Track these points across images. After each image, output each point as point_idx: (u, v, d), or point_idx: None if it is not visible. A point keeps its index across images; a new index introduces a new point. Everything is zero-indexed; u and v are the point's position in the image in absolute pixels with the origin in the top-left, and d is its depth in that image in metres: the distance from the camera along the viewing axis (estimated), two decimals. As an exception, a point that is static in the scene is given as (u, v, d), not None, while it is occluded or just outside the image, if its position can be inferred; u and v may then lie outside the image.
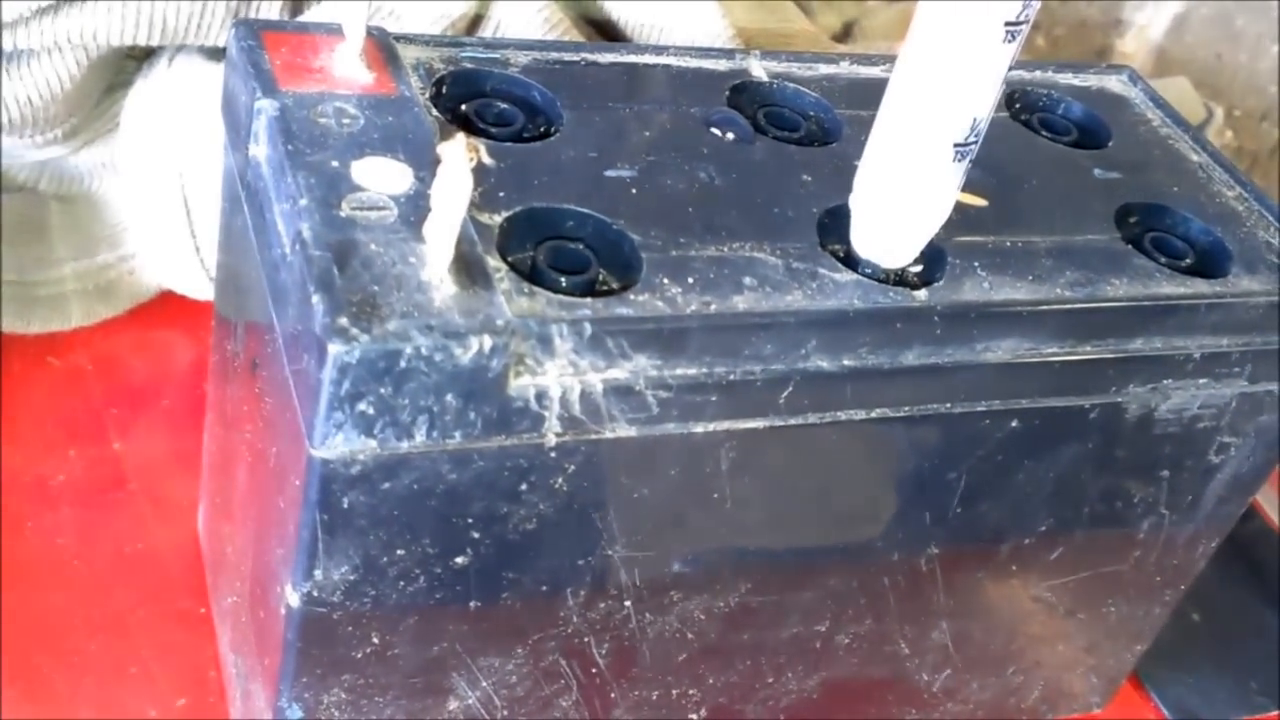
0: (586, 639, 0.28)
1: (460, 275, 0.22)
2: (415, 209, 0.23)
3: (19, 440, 0.36)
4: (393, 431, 0.22)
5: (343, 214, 0.23)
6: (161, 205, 0.38)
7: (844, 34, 0.51)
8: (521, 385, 0.22)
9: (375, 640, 0.26)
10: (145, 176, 0.38)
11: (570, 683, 0.29)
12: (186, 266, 0.39)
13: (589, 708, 0.30)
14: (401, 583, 0.25)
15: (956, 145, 0.24)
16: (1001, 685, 0.35)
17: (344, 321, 0.21)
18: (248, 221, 0.26)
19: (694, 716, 0.31)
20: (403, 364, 0.21)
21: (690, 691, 0.31)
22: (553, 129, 0.27)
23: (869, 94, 0.31)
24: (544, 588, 0.26)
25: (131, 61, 0.40)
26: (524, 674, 0.28)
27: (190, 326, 0.41)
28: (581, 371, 0.23)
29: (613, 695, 0.30)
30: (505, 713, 0.29)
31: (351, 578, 0.24)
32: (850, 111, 0.30)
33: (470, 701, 0.28)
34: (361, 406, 0.21)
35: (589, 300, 0.23)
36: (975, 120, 0.24)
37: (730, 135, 0.28)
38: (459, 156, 0.21)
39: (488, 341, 0.22)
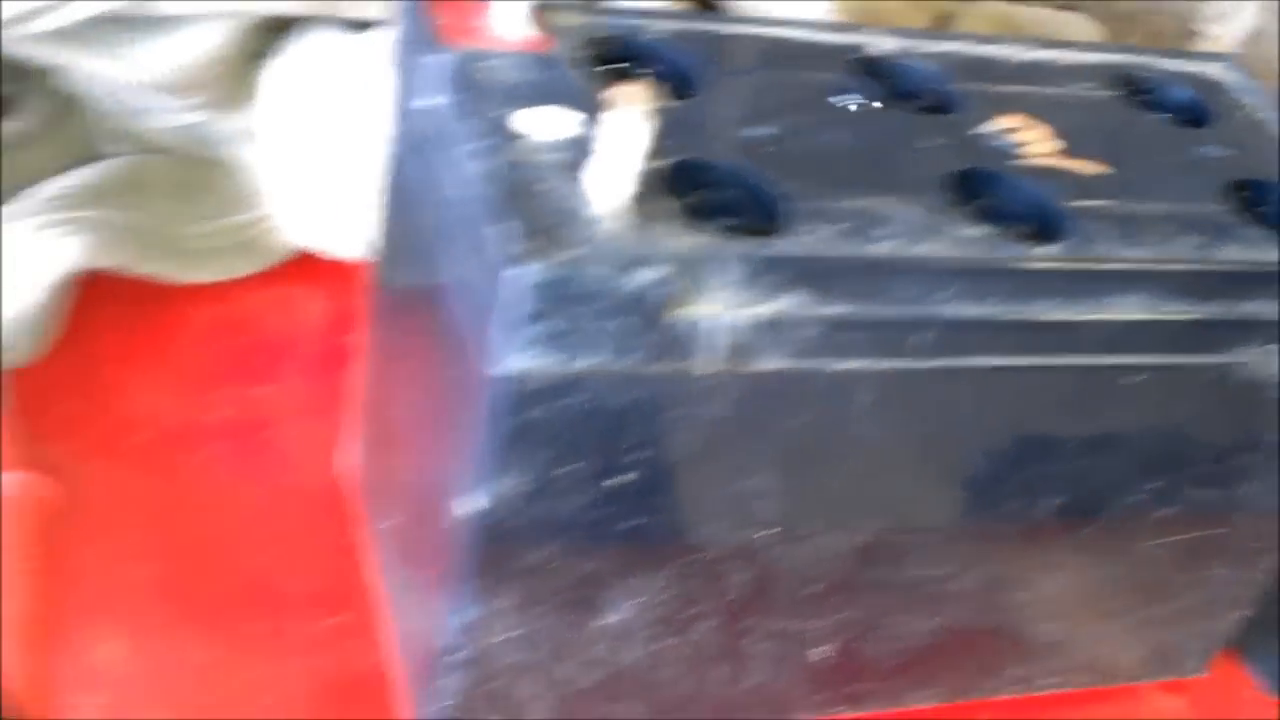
0: (725, 565, 0.30)
1: (629, 212, 0.25)
2: (580, 152, 0.26)
3: (170, 384, 0.40)
4: (566, 353, 0.25)
5: (516, 156, 0.26)
6: (303, 168, 0.41)
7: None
8: (682, 315, 0.25)
9: (538, 553, 0.28)
10: (286, 141, 0.42)
11: (708, 607, 0.31)
12: (325, 226, 0.42)
13: (722, 634, 0.32)
14: (564, 499, 0.27)
15: None
16: (1106, 643, 0.37)
17: (526, 248, 0.24)
18: (417, 169, 0.29)
19: (819, 650, 0.34)
20: (577, 289, 0.24)
21: (817, 625, 0.33)
22: (691, 91, 0.30)
23: (981, 70, 0.33)
24: (689, 513, 0.29)
25: (269, 34, 0.43)
26: (666, 596, 0.30)
27: (323, 282, 0.44)
28: (737, 306, 0.25)
29: (744, 624, 0.32)
30: (646, 632, 0.31)
31: (522, 491, 0.27)
32: (964, 85, 0.32)
33: (616, 619, 0.31)
34: (537, 328, 0.24)
35: (744, 240, 0.26)
36: None
37: (855, 102, 0.31)
38: (640, 100, 0.23)
39: (655, 272, 0.24)
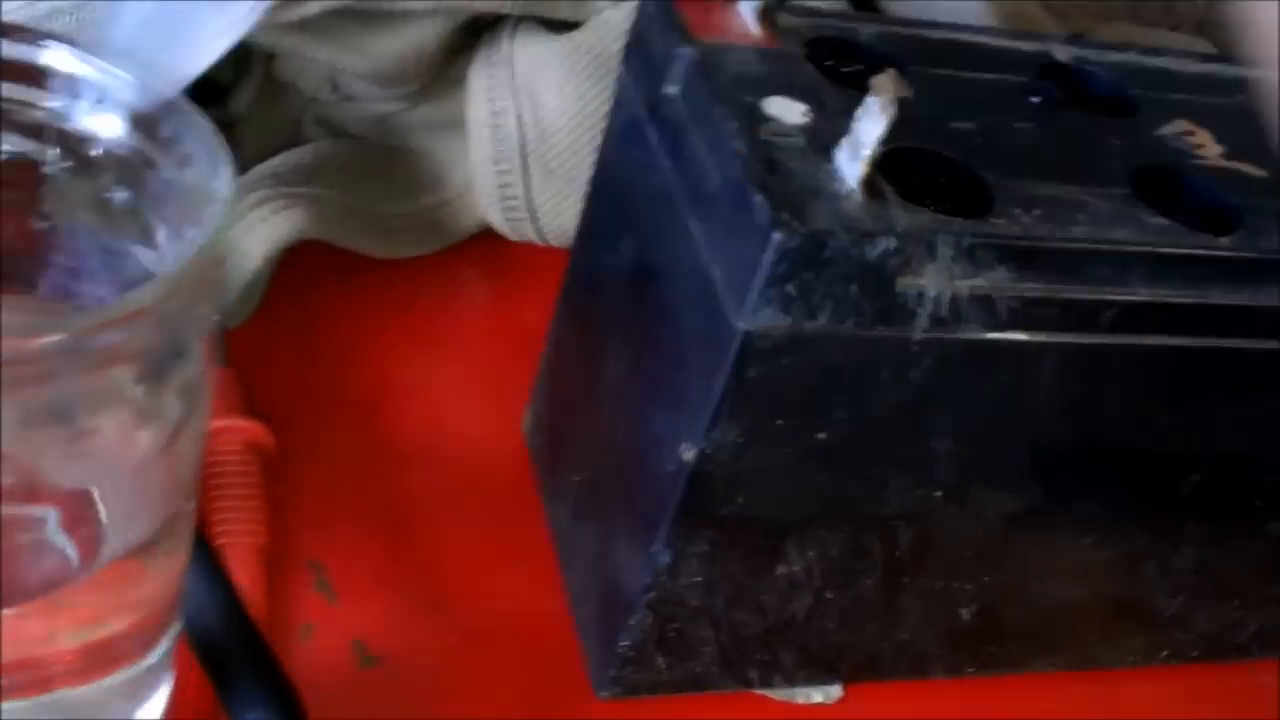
0: (897, 524, 0.33)
1: (865, 190, 0.27)
2: (816, 137, 0.28)
3: (369, 347, 0.42)
4: (804, 312, 0.27)
5: (762, 138, 0.28)
6: (501, 156, 0.44)
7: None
8: (906, 284, 0.27)
9: (740, 500, 0.31)
10: (488, 130, 0.44)
11: (874, 563, 0.34)
12: (515, 209, 0.45)
13: (884, 588, 0.34)
14: (772, 451, 0.30)
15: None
16: (1224, 618, 0.39)
17: (785, 215, 0.26)
18: (652, 151, 0.31)
19: (964, 611, 0.36)
20: (824, 254, 0.26)
21: (966, 588, 0.35)
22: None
23: (1156, 79, 0.36)
24: (879, 469, 0.31)
25: (469, 33, 0.46)
26: (841, 549, 0.33)
27: (501, 263, 0.47)
28: (953, 277, 0.28)
29: (904, 581, 0.34)
30: (819, 583, 0.33)
31: (739, 440, 0.29)
32: (1142, 92, 0.35)
33: (795, 569, 0.33)
34: (786, 288, 0.27)
35: (960, 219, 0.28)
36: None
37: (1045, 103, 0.33)
38: (890, 88, 0.26)
39: (891, 243, 0.27)
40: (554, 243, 0.47)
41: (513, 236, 0.47)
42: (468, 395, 0.42)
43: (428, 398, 0.41)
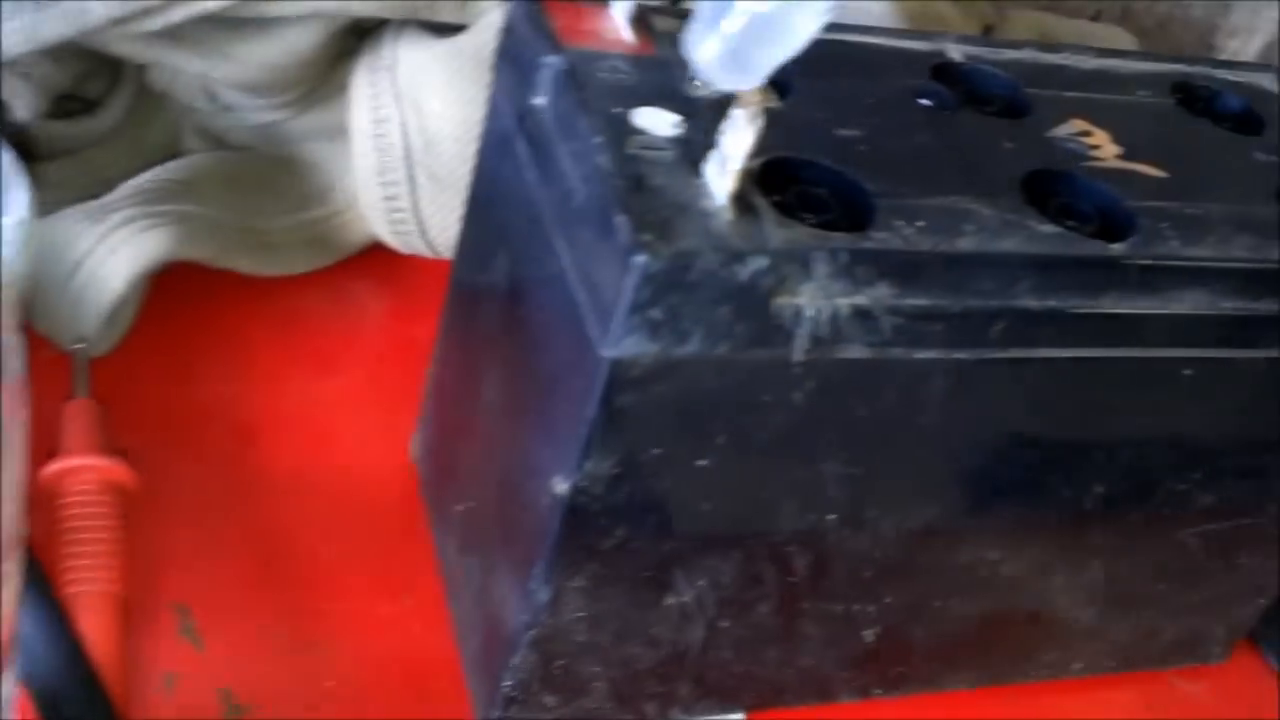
0: (791, 548, 0.31)
1: (735, 206, 0.26)
2: (688, 150, 0.27)
3: (244, 374, 0.40)
4: (673, 338, 0.25)
5: (630, 152, 0.26)
6: (386, 167, 0.42)
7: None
8: (781, 304, 0.26)
9: (620, 533, 0.29)
10: (371, 140, 0.42)
11: (770, 589, 0.32)
12: (403, 222, 0.43)
13: (782, 614, 0.33)
14: (650, 481, 0.28)
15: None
16: (1137, 629, 0.38)
17: (647, 237, 0.24)
18: (521, 164, 0.29)
19: (867, 632, 0.35)
20: (692, 277, 0.25)
21: (868, 609, 0.34)
22: (785, 93, 0.31)
23: (1053, 77, 0.34)
24: (767, 494, 0.30)
25: (351, 36, 0.44)
26: (733, 577, 0.31)
27: (390, 277, 0.45)
28: (831, 295, 0.26)
29: (802, 605, 0.33)
30: (712, 612, 0.32)
31: (613, 472, 0.28)
32: (1038, 91, 0.33)
33: (685, 599, 0.31)
34: (652, 313, 0.25)
35: (838, 234, 0.27)
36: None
37: (936, 107, 0.32)
38: (756, 99, 0.24)
39: (763, 262, 0.25)
40: (446, 255, 0.45)
41: (403, 250, 0.45)
42: (355, 418, 0.40)
43: (311, 422, 0.39)
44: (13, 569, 0.24)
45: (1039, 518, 0.33)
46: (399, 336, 0.44)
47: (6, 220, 0.20)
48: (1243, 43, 0.61)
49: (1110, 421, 0.31)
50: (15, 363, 0.21)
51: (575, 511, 0.28)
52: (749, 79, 0.25)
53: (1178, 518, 0.35)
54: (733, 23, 0.24)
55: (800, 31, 0.24)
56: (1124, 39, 0.59)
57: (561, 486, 0.28)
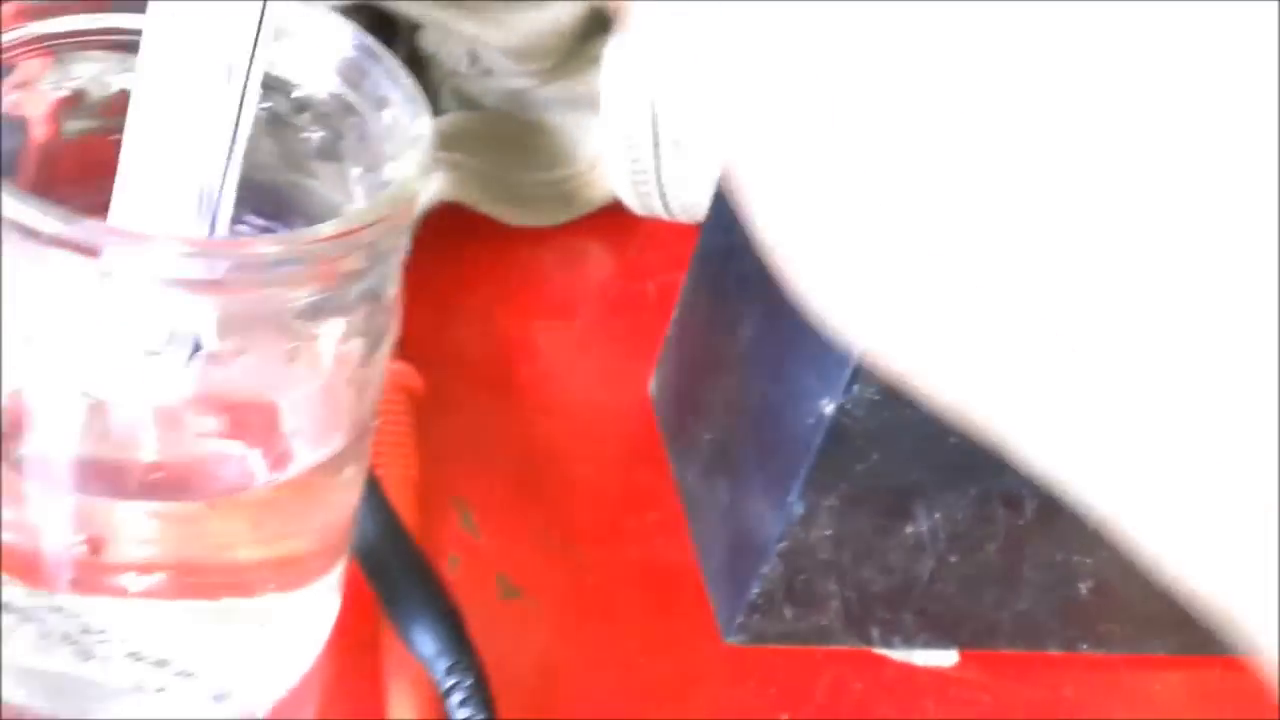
0: (1023, 491, 0.34)
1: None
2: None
3: (505, 308, 0.44)
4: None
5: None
6: (634, 131, 0.46)
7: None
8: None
9: (874, 456, 0.32)
10: (621, 105, 0.46)
11: (998, 529, 0.34)
12: (644, 183, 0.47)
13: (1005, 556, 0.35)
14: (907, 408, 0.31)
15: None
16: None
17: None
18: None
19: (1083, 585, 0.37)
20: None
21: (1086, 561, 0.36)
22: None
23: None
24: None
25: (604, 15, 0.48)
26: (967, 513, 0.34)
27: (628, 233, 0.48)
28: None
29: (1026, 549, 0.35)
30: (943, 546, 0.34)
31: (875, 398, 0.30)
32: None
33: (921, 530, 0.34)
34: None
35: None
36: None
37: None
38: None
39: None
40: (680, 218, 0.48)
41: (639, 210, 0.48)
42: (594, 358, 0.44)
43: (556, 359, 0.43)
44: (365, 450, 0.28)
45: None
46: (627, 290, 0.47)
47: (418, 136, 0.24)
48: None
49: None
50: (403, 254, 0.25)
51: (836, 432, 0.31)
52: None
53: None
54: None
55: None
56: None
57: (829, 407, 0.31)
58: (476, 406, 0.40)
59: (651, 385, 0.42)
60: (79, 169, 0.27)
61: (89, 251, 0.20)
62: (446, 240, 0.45)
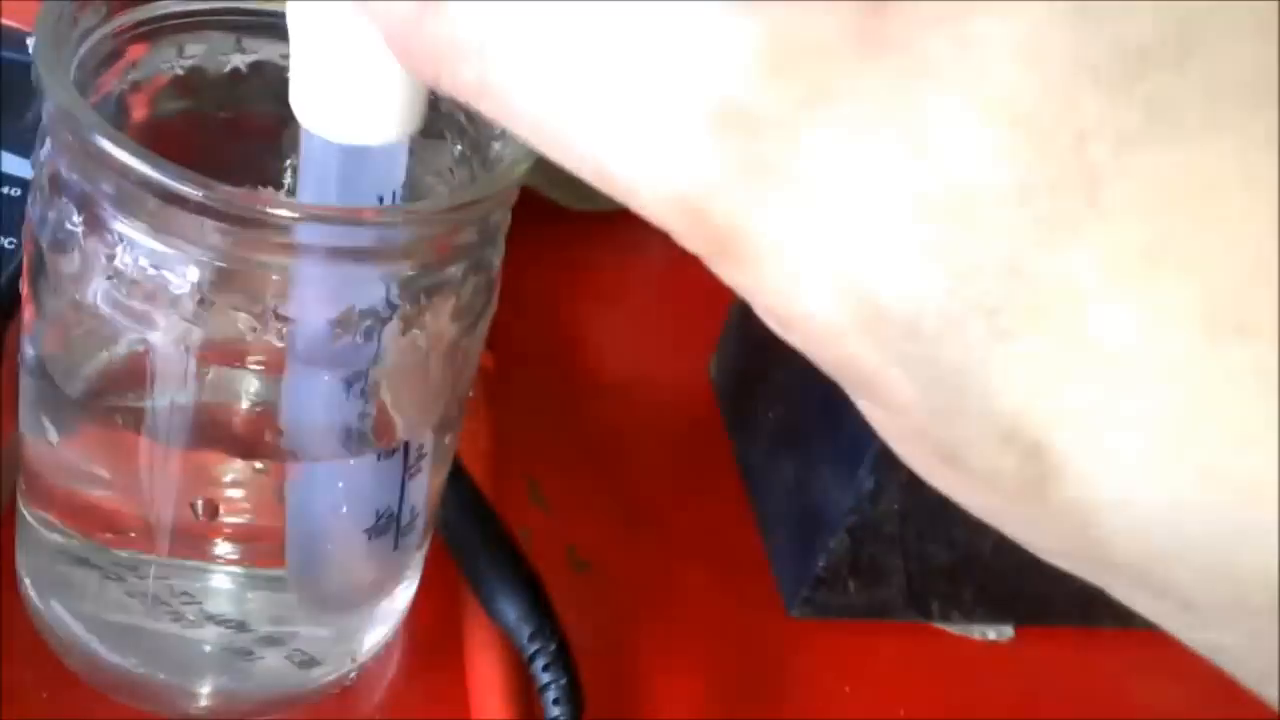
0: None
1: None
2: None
3: (567, 290, 0.45)
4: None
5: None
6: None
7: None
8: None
9: (944, 433, 0.32)
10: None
11: (1060, 506, 0.35)
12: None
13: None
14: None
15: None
16: None
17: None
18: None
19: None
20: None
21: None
22: None
23: None
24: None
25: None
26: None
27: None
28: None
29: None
30: (1006, 522, 0.35)
31: (949, 374, 0.31)
32: None
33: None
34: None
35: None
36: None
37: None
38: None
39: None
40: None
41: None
42: (654, 340, 0.45)
43: (619, 341, 0.44)
44: (459, 423, 0.28)
45: None
46: (685, 275, 0.47)
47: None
48: None
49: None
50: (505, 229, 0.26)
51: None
52: None
53: None
54: None
55: None
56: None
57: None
58: (541, 386, 0.40)
59: (711, 366, 0.43)
60: (177, 149, 0.28)
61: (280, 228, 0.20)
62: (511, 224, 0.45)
